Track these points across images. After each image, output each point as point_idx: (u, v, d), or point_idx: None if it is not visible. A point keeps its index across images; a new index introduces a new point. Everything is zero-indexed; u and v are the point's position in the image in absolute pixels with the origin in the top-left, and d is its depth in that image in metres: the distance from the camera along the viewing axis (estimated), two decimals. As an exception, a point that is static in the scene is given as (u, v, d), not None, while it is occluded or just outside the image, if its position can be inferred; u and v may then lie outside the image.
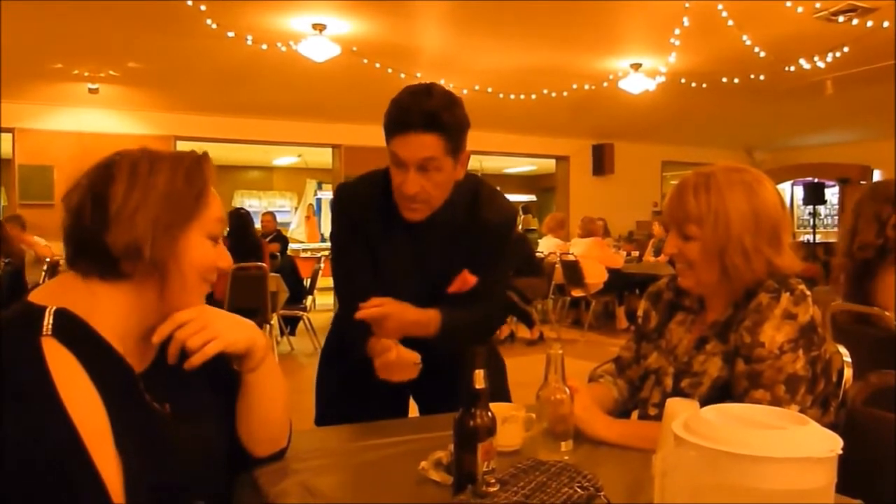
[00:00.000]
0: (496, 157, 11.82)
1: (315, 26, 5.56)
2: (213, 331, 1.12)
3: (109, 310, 1.06)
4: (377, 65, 6.31)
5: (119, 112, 8.50)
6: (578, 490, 1.04)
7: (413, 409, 1.92)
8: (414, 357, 1.61)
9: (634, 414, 1.58)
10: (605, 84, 7.16)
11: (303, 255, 10.83)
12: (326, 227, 14.01)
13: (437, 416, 1.56)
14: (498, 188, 1.83)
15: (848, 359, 1.57)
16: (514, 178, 16.63)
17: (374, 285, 1.66)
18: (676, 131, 10.65)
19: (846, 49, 6.00)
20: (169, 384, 1.12)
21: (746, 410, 0.97)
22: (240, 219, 6.45)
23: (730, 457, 0.80)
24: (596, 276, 7.58)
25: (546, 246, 8.24)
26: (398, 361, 1.60)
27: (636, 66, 6.81)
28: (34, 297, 1.04)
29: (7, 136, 8.29)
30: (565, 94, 7.42)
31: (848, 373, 1.55)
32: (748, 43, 5.80)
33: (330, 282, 1.96)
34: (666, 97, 7.60)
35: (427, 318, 1.65)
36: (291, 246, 10.21)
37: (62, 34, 5.83)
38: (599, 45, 6.31)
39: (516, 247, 2.57)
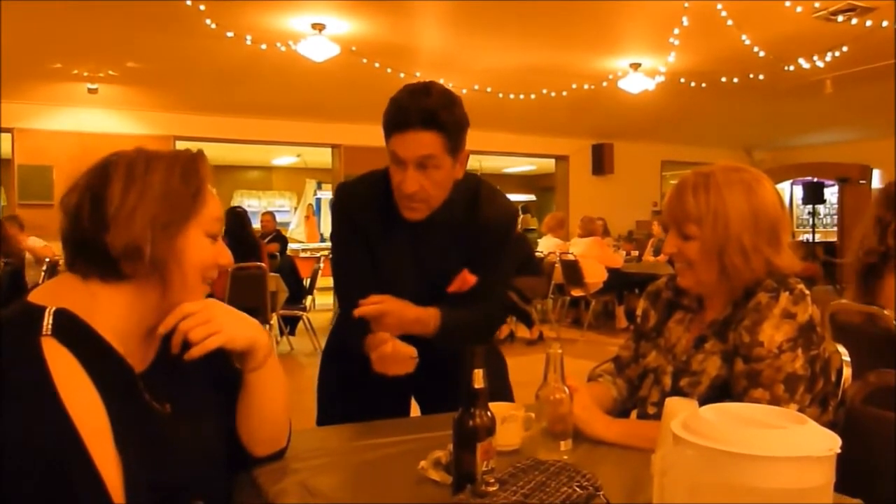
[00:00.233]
0: (495, 156, 11.82)
1: (314, 26, 5.56)
2: (216, 325, 1.12)
3: (109, 310, 1.06)
4: (376, 64, 6.31)
5: (118, 112, 8.50)
6: (577, 489, 1.04)
7: (415, 410, 1.91)
8: (410, 351, 1.60)
9: (633, 413, 1.58)
10: (605, 84, 7.16)
11: (302, 254, 10.83)
12: (326, 227, 14.01)
13: (436, 415, 1.57)
14: (497, 188, 1.83)
15: (847, 358, 1.57)
16: (513, 178, 16.63)
17: (373, 285, 1.66)
18: (676, 131, 10.66)
19: (845, 48, 6.00)
20: (169, 384, 1.12)
21: (745, 409, 0.97)
22: (236, 217, 6.43)
23: (729, 456, 0.80)
24: (595, 276, 7.58)
25: (546, 245, 8.25)
26: (394, 355, 1.59)
27: (635, 66, 6.81)
28: (34, 296, 1.04)
29: (6, 136, 8.29)
30: (565, 93, 7.42)
31: (847, 372, 1.55)
32: (747, 42, 5.80)
33: (329, 282, 1.96)
34: (665, 97, 7.60)
35: (427, 316, 1.65)
36: (291, 246, 10.22)
37: (61, 34, 5.83)
38: (599, 45, 6.31)
39: (516, 246, 2.57)
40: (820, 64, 6.38)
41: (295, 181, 15.52)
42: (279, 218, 10.31)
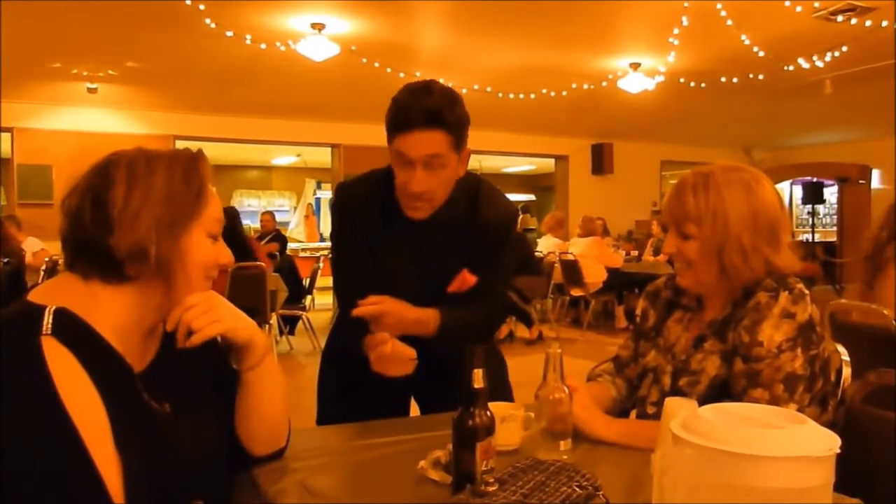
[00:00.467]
0: (495, 156, 11.81)
1: (314, 26, 5.56)
2: (217, 314, 1.13)
3: (109, 309, 1.06)
4: (376, 64, 6.31)
5: (118, 111, 8.49)
6: (577, 489, 1.04)
7: (415, 410, 1.91)
8: (409, 352, 1.60)
9: (633, 413, 1.58)
10: (605, 83, 7.15)
11: (302, 254, 10.85)
12: (325, 227, 14.02)
13: (436, 415, 1.56)
14: (497, 188, 1.83)
15: (846, 357, 1.57)
16: (513, 178, 16.63)
17: (373, 285, 1.66)
18: (675, 131, 10.66)
19: (845, 48, 6.00)
20: (168, 384, 1.12)
21: (744, 409, 0.97)
22: (229, 217, 6.41)
23: (728, 455, 0.80)
24: (595, 276, 7.58)
25: (545, 245, 8.25)
26: (393, 355, 1.59)
27: (635, 66, 6.81)
28: (34, 296, 1.04)
29: (6, 136, 8.28)
30: (564, 93, 7.42)
31: (846, 371, 1.55)
32: (747, 42, 5.80)
33: (329, 281, 1.96)
34: (665, 97, 7.60)
35: (426, 317, 1.64)
36: (290, 245, 10.22)
37: (61, 34, 5.82)
38: (598, 45, 6.31)
39: (516, 246, 2.57)
40: (819, 64, 6.38)
41: (294, 181, 15.52)
42: (279, 217, 10.32)
